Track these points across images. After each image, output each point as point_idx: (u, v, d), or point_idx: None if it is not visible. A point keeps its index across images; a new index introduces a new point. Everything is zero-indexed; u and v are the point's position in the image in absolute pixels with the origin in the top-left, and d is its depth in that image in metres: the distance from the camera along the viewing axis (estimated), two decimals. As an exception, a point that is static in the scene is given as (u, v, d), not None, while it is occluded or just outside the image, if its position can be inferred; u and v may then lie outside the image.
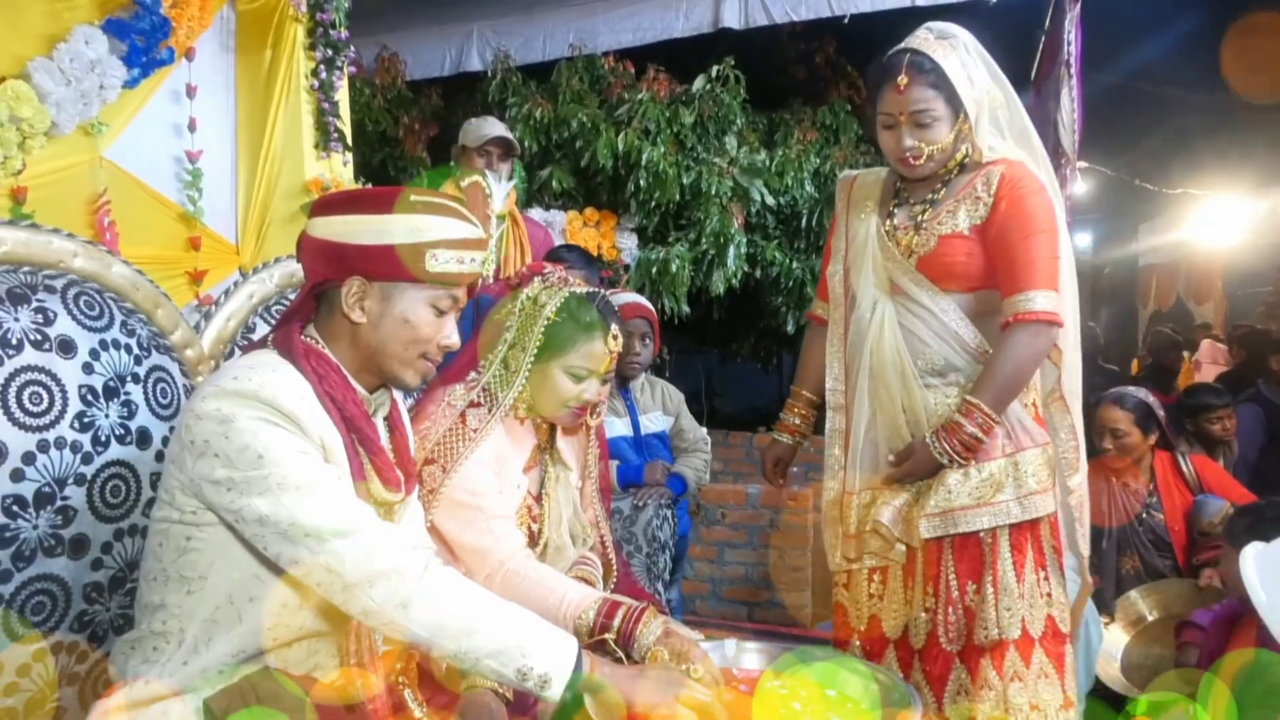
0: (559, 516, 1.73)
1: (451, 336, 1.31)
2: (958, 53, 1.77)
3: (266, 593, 1.20)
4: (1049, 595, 1.81)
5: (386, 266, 1.23)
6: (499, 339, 1.61)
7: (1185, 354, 6.20)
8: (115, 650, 1.24)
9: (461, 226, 1.28)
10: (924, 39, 1.79)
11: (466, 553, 1.51)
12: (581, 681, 1.20)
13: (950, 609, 1.81)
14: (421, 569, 1.17)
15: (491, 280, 2.92)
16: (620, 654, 1.39)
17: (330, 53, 3.15)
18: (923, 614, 1.85)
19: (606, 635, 1.41)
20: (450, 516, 1.52)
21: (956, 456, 1.75)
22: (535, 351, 1.57)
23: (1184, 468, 2.82)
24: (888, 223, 1.90)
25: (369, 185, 3.32)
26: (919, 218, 1.86)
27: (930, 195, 1.86)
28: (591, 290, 1.63)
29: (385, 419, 1.37)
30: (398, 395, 1.41)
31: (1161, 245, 9.32)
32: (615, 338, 1.61)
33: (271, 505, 1.12)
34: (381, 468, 1.28)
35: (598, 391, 1.64)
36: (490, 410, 1.58)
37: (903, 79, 1.74)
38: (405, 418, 1.45)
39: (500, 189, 3.11)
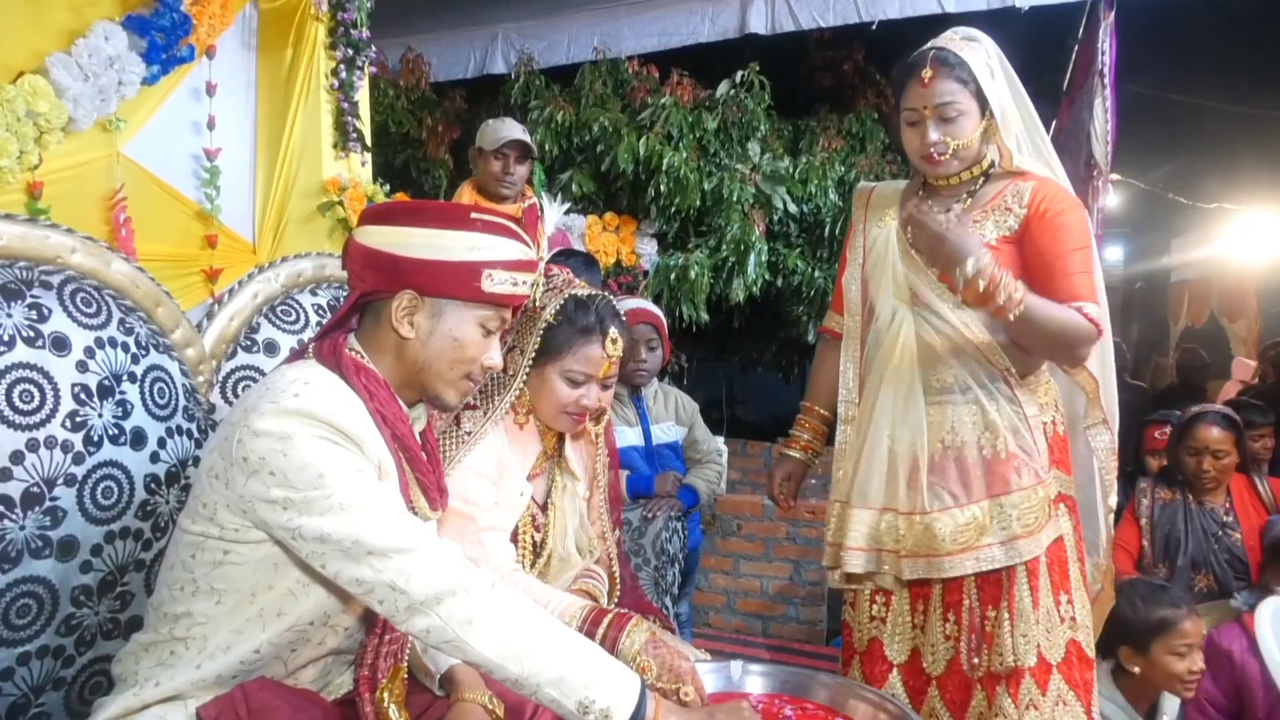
0: (564, 527, 1.68)
1: (494, 358, 1.29)
2: (983, 54, 1.75)
3: (295, 609, 1.18)
4: (1073, 620, 1.76)
5: (441, 282, 1.21)
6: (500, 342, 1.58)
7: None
8: (126, 650, 1.22)
9: (518, 248, 1.26)
10: (949, 39, 1.77)
11: None
12: None
13: (972, 635, 1.77)
14: (488, 586, 1.14)
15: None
16: None
17: (351, 52, 3.14)
18: (942, 640, 1.80)
19: None
20: (444, 525, 1.48)
21: (987, 272, 1.57)
22: (533, 355, 1.54)
23: (1260, 489, 2.83)
24: (909, 231, 1.85)
25: (387, 186, 3.30)
26: None
27: (955, 205, 1.81)
28: (592, 293, 1.59)
29: (420, 434, 1.35)
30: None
31: (1194, 260, 9.14)
32: (614, 342, 1.57)
33: (334, 524, 1.10)
34: (426, 486, 1.27)
35: (598, 397, 1.59)
36: (485, 414, 1.54)
37: (927, 72, 1.72)
38: (434, 433, 1.43)
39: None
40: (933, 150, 1.73)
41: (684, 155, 4.16)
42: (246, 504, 1.12)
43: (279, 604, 1.17)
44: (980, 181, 1.81)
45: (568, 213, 4.11)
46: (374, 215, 1.26)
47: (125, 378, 1.42)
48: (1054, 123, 4.48)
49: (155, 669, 1.17)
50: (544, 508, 1.66)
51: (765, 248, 4.43)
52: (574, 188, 4.24)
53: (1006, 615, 1.73)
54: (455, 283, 1.22)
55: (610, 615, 1.41)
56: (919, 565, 1.75)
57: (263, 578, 1.16)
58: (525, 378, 1.55)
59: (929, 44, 1.78)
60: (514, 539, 1.60)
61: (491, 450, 1.54)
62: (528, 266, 1.27)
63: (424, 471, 1.26)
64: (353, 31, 3.14)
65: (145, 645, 1.20)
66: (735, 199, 4.27)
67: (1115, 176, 5.40)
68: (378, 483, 1.17)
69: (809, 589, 4.07)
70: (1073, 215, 1.74)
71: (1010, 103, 1.78)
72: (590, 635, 1.38)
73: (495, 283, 1.23)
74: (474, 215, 1.23)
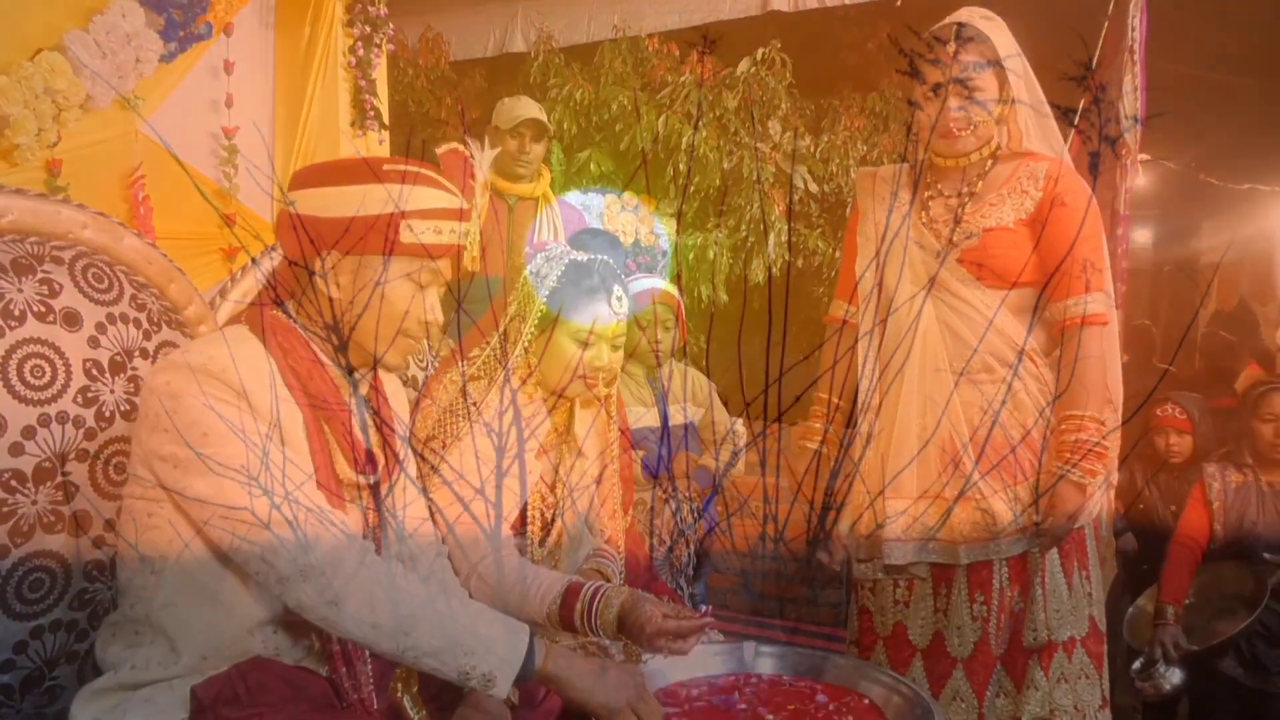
0: (573, 506, 1.68)
1: (434, 311, 1.26)
2: (1002, 32, 1.75)
3: (231, 576, 1.15)
4: (1090, 595, 1.80)
5: (360, 239, 1.19)
6: (502, 315, 1.60)
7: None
8: (100, 633, 1.22)
9: (439, 196, 1.23)
10: (969, 15, 1.77)
11: (453, 546, 1.48)
12: (534, 676, 1.16)
13: (1002, 615, 1.80)
14: (355, 565, 1.11)
15: (478, 254, 2.89)
16: (596, 645, 1.36)
17: (368, 30, 3.13)
18: (969, 622, 1.81)
19: (574, 631, 1.38)
20: (449, 505, 1.48)
21: (1095, 471, 1.71)
22: (537, 320, 1.55)
23: None
24: (923, 214, 1.85)
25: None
26: (958, 210, 1.81)
27: (966, 188, 1.81)
28: (591, 257, 1.60)
29: (365, 398, 1.32)
30: (385, 375, 1.36)
31: (1225, 243, 8.99)
32: (619, 300, 1.58)
33: (212, 488, 1.08)
34: (349, 448, 1.23)
35: (609, 358, 1.60)
36: (489, 384, 1.55)
37: (951, 46, 1.71)
38: (399, 397, 1.41)
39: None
40: (953, 124, 1.73)
41: (703, 134, 4.13)
42: (149, 461, 1.12)
43: (210, 572, 1.14)
44: (989, 164, 1.80)
45: (586, 192, 4.08)
46: (294, 181, 1.24)
47: (137, 354, 1.42)
48: (1081, 101, 4.40)
49: (124, 653, 1.16)
50: (553, 486, 1.66)
51: (785, 227, 4.39)
52: (592, 167, 4.21)
53: (1040, 592, 1.76)
54: (375, 237, 1.19)
55: (582, 593, 1.39)
56: (976, 549, 1.77)
57: (184, 542, 1.14)
58: (528, 343, 1.56)
59: (950, 18, 1.78)
60: (523, 517, 1.60)
61: (493, 429, 1.54)
62: (451, 214, 1.24)
63: (344, 434, 1.22)
64: (370, 9, 3.13)
65: (112, 627, 1.20)
66: (755, 178, 4.23)
67: (1144, 157, 5.28)
68: (271, 449, 1.13)
69: (828, 572, 4.04)
70: (1083, 207, 1.75)
71: (1023, 84, 1.78)
72: (568, 617, 1.38)
73: (417, 233, 1.20)
74: (388, 166, 1.21)
